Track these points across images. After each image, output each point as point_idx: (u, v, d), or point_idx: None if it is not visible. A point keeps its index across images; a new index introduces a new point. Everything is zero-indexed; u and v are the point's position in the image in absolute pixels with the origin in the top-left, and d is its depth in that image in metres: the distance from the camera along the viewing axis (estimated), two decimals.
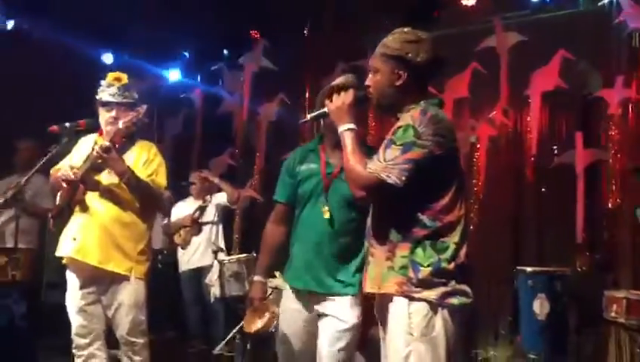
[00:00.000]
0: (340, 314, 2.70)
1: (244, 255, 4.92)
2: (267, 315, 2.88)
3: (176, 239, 5.65)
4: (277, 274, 4.65)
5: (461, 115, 5.97)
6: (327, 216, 2.71)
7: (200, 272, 5.57)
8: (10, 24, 6.16)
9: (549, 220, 5.52)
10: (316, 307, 2.76)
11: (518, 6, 5.81)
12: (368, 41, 6.36)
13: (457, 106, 5.98)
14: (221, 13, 7.00)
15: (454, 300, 2.08)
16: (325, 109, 2.31)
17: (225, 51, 7.41)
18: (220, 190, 5.75)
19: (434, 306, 2.07)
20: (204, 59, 7.52)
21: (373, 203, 2.20)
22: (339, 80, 2.73)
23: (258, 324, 2.89)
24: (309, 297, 2.77)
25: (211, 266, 5.49)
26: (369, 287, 2.20)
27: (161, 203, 3.49)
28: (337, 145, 2.48)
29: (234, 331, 4.66)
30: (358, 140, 2.19)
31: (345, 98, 2.24)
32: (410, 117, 2.08)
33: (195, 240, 5.59)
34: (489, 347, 5.46)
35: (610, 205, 5.08)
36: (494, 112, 5.76)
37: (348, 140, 2.16)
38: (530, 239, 5.63)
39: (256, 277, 2.94)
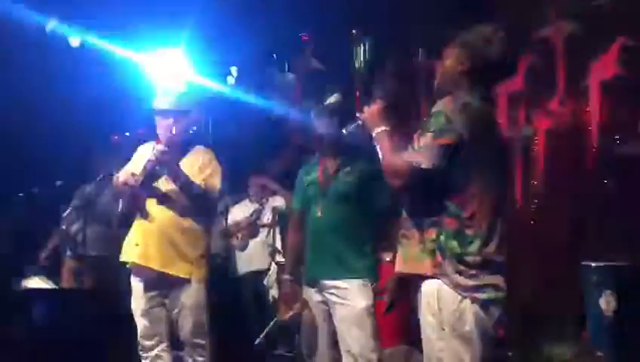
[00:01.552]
0: (349, 298, 3.01)
1: None
2: (298, 304, 3.20)
3: (234, 242, 5.73)
4: None
5: (517, 107, 5.84)
6: (319, 213, 3.09)
7: (258, 275, 5.63)
8: (76, 41, 6.36)
9: (613, 213, 5.32)
10: (329, 297, 3.06)
11: None
12: (418, 40, 6.33)
13: (512, 99, 5.86)
14: (271, 17, 7.10)
15: (484, 294, 2.12)
16: (359, 122, 2.46)
17: (274, 55, 7.49)
18: (275, 193, 5.80)
19: (464, 300, 2.11)
20: (256, 65, 7.62)
21: (408, 189, 2.24)
22: (332, 98, 3.28)
23: (290, 312, 3.23)
24: (322, 287, 3.08)
25: (269, 269, 5.55)
26: (401, 267, 2.26)
27: (215, 207, 3.56)
28: (334, 155, 3.19)
29: (270, 324, 4.75)
30: (393, 139, 2.30)
31: (374, 107, 2.38)
32: (443, 104, 2.18)
33: (252, 243, 5.65)
34: (553, 345, 5.32)
35: None
36: (551, 104, 5.61)
37: (383, 140, 2.28)
38: (594, 233, 5.44)
39: (285, 276, 3.30)
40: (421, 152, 2.09)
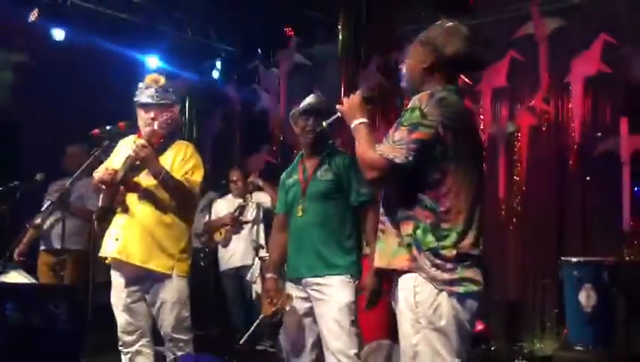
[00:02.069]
0: (330, 294, 3.01)
1: None
2: (281, 299, 3.19)
3: (217, 237, 5.70)
4: None
5: (500, 104, 5.87)
6: (299, 213, 3.14)
7: (241, 271, 5.61)
8: (60, 34, 6.33)
9: (594, 209, 5.38)
10: (311, 292, 3.07)
11: None
12: (403, 34, 6.34)
13: (496, 95, 5.89)
14: (255, 12, 7.08)
15: (460, 288, 2.10)
16: (338, 114, 2.45)
17: (259, 50, 7.48)
18: (260, 188, 5.79)
19: (440, 294, 2.10)
20: (240, 59, 7.59)
21: (383, 183, 2.25)
22: (309, 100, 3.17)
23: (273, 308, 3.20)
24: (304, 284, 3.10)
25: (252, 265, 5.54)
26: (378, 262, 2.27)
27: (196, 201, 3.54)
28: (312, 155, 3.19)
29: (256, 322, 4.74)
30: (370, 132, 2.27)
31: (353, 98, 2.37)
32: (418, 99, 2.17)
33: (235, 238, 5.62)
34: (535, 339, 5.38)
35: None
36: (534, 100, 5.65)
37: (360, 132, 2.26)
38: (574, 229, 5.49)
39: (269, 275, 3.33)
40: (395, 146, 2.09)
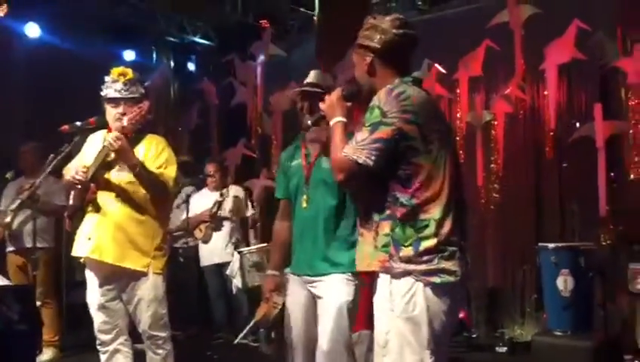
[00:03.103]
0: (330, 293, 2.84)
1: (264, 244, 4.93)
2: (271, 304, 3.01)
3: (197, 234, 5.65)
4: None
5: (476, 92, 5.89)
6: (304, 205, 2.90)
7: (223, 267, 5.57)
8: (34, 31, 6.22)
9: (570, 195, 5.42)
10: (312, 290, 2.91)
11: None
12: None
13: (472, 84, 5.90)
14: (232, 4, 7.02)
15: (436, 279, 2.09)
16: (321, 113, 2.41)
17: (234, 43, 7.42)
18: (236, 182, 5.74)
19: (415, 284, 2.09)
20: (215, 52, 7.53)
21: (352, 185, 2.24)
22: (310, 77, 2.98)
23: (271, 310, 3.03)
24: (306, 281, 2.92)
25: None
26: (359, 266, 2.29)
27: (170, 196, 3.49)
28: (314, 140, 2.88)
29: (252, 322, 4.67)
30: (346, 131, 2.25)
31: (333, 96, 2.34)
32: (377, 97, 2.14)
33: (215, 234, 5.57)
34: (515, 325, 5.43)
35: (632, 176, 4.97)
36: (510, 88, 5.67)
37: (336, 131, 2.25)
38: (552, 215, 5.54)
39: (270, 271, 3.09)
40: (358, 147, 2.08)
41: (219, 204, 5.48)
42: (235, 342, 4.99)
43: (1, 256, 4.97)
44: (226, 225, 5.61)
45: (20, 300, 2.23)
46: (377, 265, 2.16)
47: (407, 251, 2.09)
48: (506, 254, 5.79)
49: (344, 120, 2.28)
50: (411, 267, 2.09)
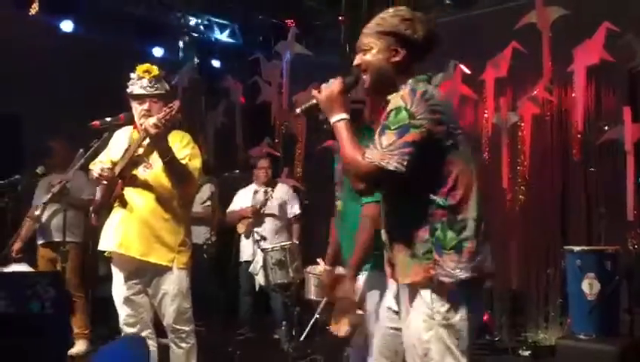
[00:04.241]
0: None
1: (287, 243, 4.94)
2: (353, 313, 2.72)
3: (239, 229, 5.67)
4: (320, 260, 4.67)
5: (502, 94, 5.84)
6: (339, 208, 2.90)
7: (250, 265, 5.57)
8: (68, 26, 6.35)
9: (597, 198, 5.35)
10: None
11: None
12: None
13: (498, 85, 5.86)
14: (257, 3, 7.07)
15: (475, 288, 2.05)
16: (314, 101, 2.17)
17: (260, 38, 7.46)
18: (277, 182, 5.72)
19: (456, 291, 2.01)
20: (241, 50, 7.59)
21: (379, 192, 2.13)
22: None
23: (346, 328, 2.69)
24: None
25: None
26: (402, 279, 2.12)
27: (195, 190, 3.53)
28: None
29: (307, 329, 4.58)
30: (353, 129, 2.09)
31: (333, 87, 2.12)
32: (400, 98, 2.01)
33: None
34: (538, 330, 5.38)
35: None
36: (537, 90, 5.61)
37: (342, 132, 2.06)
38: (578, 218, 5.47)
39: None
40: (386, 152, 1.95)
41: (264, 201, 5.48)
42: (301, 338, 4.87)
43: (31, 248, 5.07)
44: (269, 223, 5.59)
45: (52, 285, 2.29)
46: (419, 276, 2.04)
47: (451, 256, 2.00)
48: (530, 257, 5.73)
49: (347, 117, 2.08)
50: (457, 272, 2.00)
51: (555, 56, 5.50)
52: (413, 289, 2.09)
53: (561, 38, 5.47)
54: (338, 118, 2.09)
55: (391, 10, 2.15)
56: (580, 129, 5.39)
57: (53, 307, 2.35)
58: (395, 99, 2.04)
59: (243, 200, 5.69)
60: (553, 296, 5.38)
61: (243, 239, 5.67)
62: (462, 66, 5.90)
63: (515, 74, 5.76)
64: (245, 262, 5.67)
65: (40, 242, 5.01)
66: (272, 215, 5.60)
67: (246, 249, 5.65)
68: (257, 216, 5.48)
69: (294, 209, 5.75)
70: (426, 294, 2.04)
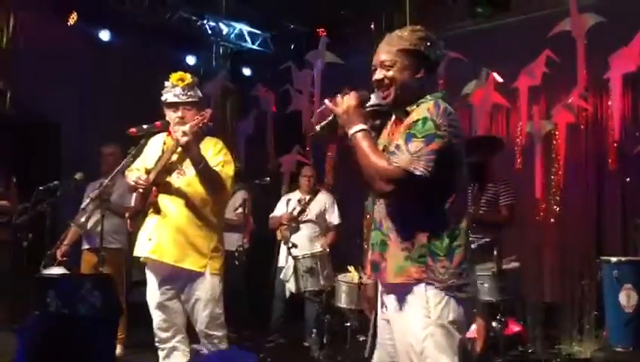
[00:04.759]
0: None
1: (318, 250, 4.94)
2: None
3: (279, 235, 5.70)
4: (350, 268, 4.67)
5: (535, 102, 5.78)
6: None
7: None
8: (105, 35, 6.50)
9: (633, 208, 5.24)
10: None
11: None
12: (436, 32, 6.28)
13: (532, 93, 5.80)
14: (290, 12, 7.13)
15: (464, 293, 2.16)
16: (332, 117, 2.24)
17: (292, 47, 7.52)
18: (290, 189, 5.74)
19: (449, 296, 2.14)
20: (273, 59, 7.65)
21: (399, 196, 2.19)
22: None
23: None
24: None
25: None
26: (389, 278, 2.21)
27: (228, 197, 3.55)
28: None
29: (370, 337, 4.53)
30: (372, 139, 2.21)
31: (349, 101, 2.21)
32: (427, 110, 2.15)
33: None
34: (573, 342, 5.27)
35: None
36: (572, 98, 5.54)
37: (363, 141, 2.16)
38: (614, 229, 5.37)
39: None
40: (414, 158, 2.08)
41: (302, 211, 5.52)
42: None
43: (77, 254, 5.16)
44: (306, 230, 5.61)
45: (101, 289, 2.35)
46: (412, 277, 2.15)
47: (444, 262, 2.13)
48: (564, 268, 5.64)
49: (366, 128, 2.18)
50: (446, 277, 2.13)
51: (590, 64, 5.43)
52: (405, 289, 2.18)
53: (596, 45, 5.39)
54: (357, 129, 2.18)
55: (409, 28, 2.29)
56: (616, 138, 5.31)
57: (103, 310, 2.41)
58: (419, 111, 2.18)
59: (284, 206, 5.74)
60: (588, 308, 5.27)
61: (282, 245, 5.70)
62: (495, 74, 5.86)
63: (549, 82, 5.70)
64: (280, 268, 5.69)
65: (85, 247, 5.09)
66: (309, 221, 5.62)
67: (282, 255, 5.68)
68: (292, 222, 5.50)
69: (332, 218, 5.76)
70: (420, 293, 2.15)
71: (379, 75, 2.24)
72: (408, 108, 2.22)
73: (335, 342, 4.82)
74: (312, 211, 5.60)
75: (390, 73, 2.22)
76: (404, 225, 2.18)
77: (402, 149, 2.11)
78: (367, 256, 2.45)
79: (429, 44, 2.22)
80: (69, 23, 6.18)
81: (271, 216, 5.80)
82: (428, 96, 2.21)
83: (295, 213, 5.52)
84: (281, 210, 5.75)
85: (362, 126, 2.18)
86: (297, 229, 5.53)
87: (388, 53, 2.23)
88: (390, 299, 2.26)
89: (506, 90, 5.91)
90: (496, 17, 6.17)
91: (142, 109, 3.76)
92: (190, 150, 3.18)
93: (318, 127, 2.31)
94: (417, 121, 2.13)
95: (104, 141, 5.23)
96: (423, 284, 2.15)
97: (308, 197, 5.58)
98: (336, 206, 5.80)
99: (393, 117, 2.35)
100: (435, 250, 2.14)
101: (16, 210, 4.83)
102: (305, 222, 5.59)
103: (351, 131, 2.18)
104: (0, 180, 5.10)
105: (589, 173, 5.59)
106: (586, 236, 5.54)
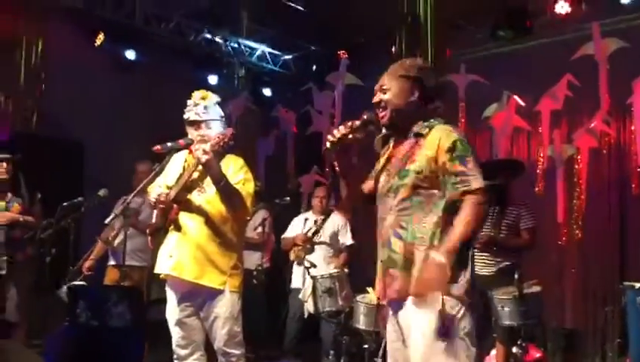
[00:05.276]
0: None
1: (336, 271, 4.93)
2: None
3: (292, 256, 5.70)
4: (369, 289, 4.64)
5: (557, 126, 5.75)
6: None
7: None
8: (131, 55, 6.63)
9: None
10: None
11: (613, 12, 5.55)
12: (458, 55, 6.32)
13: (553, 117, 5.78)
14: (311, 34, 7.21)
15: (470, 300, 2.26)
16: (365, 117, 2.39)
17: (313, 69, 7.59)
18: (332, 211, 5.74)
19: (461, 306, 2.22)
20: (293, 80, 7.73)
21: (407, 208, 2.30)
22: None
23: None
24: None
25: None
26: (407, 291, 2.26)
27: (248, 214, 3.56)
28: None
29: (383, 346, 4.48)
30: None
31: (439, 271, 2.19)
32: (450, 132, 2.33)
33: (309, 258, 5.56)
34: None
35: None
36: (594, 122, 5.51)
37: (458, 240, 2.21)
38: (637, 254, 5.29)
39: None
40: (478, 175, 2.26)
41: (316, 231, 5.50)
42: None
43: (102, 269, 5.21)
44: (320, 251, 5.60)
45: (130, 300, 2.38)
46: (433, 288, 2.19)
47: (455, 269, 2.18)
48: (586, 294, 5.56)
49: (448, 254, 2.17)
50: (458, 289, 2.21)
51: (613, 88, 5.41)
52: (419, 302, 2.24)
53: (619, 69, 5.37)
54: (445, 258, 2.18)
55: (410, 59, 2.54)
56: (639, 162, 5.26)
57: (132, 321, 2.43)
58: (448, 133, 2.32)
59: (297, 227, 5.73)
60: (611, 335, 5.18)
61: (295, 266, 5.69)
62: (516, 97, 5.85)
63: (571, 106, 5.68)
64: (294, 289, 5.67)
65: (111, 263, 5.13)
66: (323, 243, 5.60)
67: (296, 276, 5.66)
68: (307, 243, 5.49)
69: (345, 239, 5.74)
70: (435, 305, 2.19)
71: (376, 98, 2.43)
72: (416, 129, 2.36)
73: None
74: (325, 232, 5.59)
75: (386, 96, 2.39)
76: (423, 237, 2.26)
77: (467, 173, 2.25)
78: (378, 275, 2.49)
79: (423, 71, 2.42)
80: (95, 44, 6.31)
81: (283, 236, 5.78)
82: (432, 120, 2.37)
83: (310, 233, 5.50)
84: (293, 230, 5.74)
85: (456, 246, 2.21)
86: (312, 250, 5.53)
87: (386, 79, 2.42)
88: (404, 314, 2.29)
89: (527, 113, 5.90)
90: (518, 41, 6.18)
91: (165, 128, 3.81)
92: (211, 168, 3.21)
93: (328, 143, 2.43)
94: (455, 142, 2.28)
95: (126, 159, 5.30)
96: (437, 296, 2.19)
97: (322, 218, 5.56)
98: (348, 227, 5.78)
99: (391, 141, 2.48)
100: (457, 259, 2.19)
101: (41, 226, 4.90)
102: (319, 243, 5.58)
103: (447, 254, 2.19)
104: (25, 196, 5.19)
105: (612, 197, 5.54)
106: (608, 261, 5.47)
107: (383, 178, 2.43)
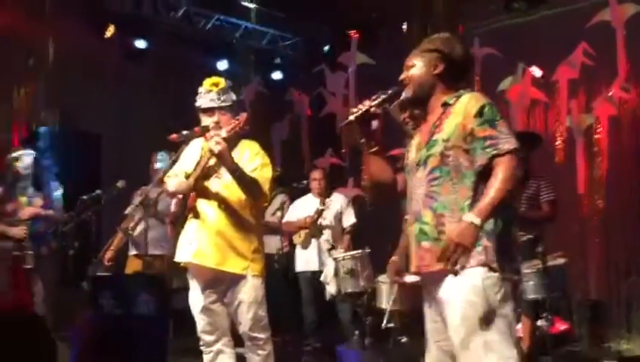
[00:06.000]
0: None
1: (358, 251, 4.92)
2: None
3: (295, 240, 5.69)
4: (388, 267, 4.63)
5: (574, 96, 5.66)
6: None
7: (318, 274, 5.57)
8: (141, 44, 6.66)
9: None
10: None
11: None
12: (471, 29, 6.22)
13: (571, 87, 5.68)
14: (322, 15, 7.15)
15: (515, 275, 2.27)
16: (390, 91, 2.40)
17: (325, 50, 7.52)
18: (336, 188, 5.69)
19: (503, 280, 2.19)
20: (305, 63, 7.68)
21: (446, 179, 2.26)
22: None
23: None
24: None
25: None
26: (440, 265, 2.19)
27: (267, 199, 3.55)
28: None
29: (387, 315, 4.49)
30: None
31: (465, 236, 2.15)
32: (478, 98, 2.32)
33: (315, 242, 5.57)
34: (621, 340, 5.14)
35: None
36: (613, 90, 5.41)
37: (496, 201, 2.16)
38: None
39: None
40: (511, 136, 2.25)
41: (320, 212, 5.47)
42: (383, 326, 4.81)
43: (123, 259, 5.25)
44: (326, 234, 5.59)
45: (155, 289, 2.39)
46: (470, 262, 2.15)
47: (496, 241, 2.18)
48: (610, 265, 5.51)
49: (481, 218, 2.14)
50: (500, 263, 2.18)
51: (631, 55, 5.30)
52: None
53: (636, 35, 5.26)
54: (486, 208, 2.17)
55: (436, 35, 2.51)
56: None
57: (156, 309, 2.44)
58: (471, 100, 2.31)
59: (299, 211, 5.69)
60: (636, 305, 5.14)
61: (298, 249, 5.67)
62: (532, 68, 5.77)
63: (588, 75, 5.59)
64: (300, 273, 5.67)
65: (132, 253, 5.17)
66: (328, 226, 5.58)
67: (300, 260, 5.65)
68: (315, 226, 5.47)
69: (349, 219, 5.71)
70: (477, 279, 2.17)
71: (402, 75, 2.45)
72: (447, 100, 2.35)
73: (377, 343, 4.78)
74: (328, 214, 5.56)
75: (410, 73, 2.42)
76: (461, 209, 2.22)
77: (497, 135, 2.22)
78: (412, 251, 2.45)
79: (448, 43, 2.42)
80: (106, 36, 6.32)
81: (284, 221, 5.75)
82: (461, 91, 2.36)
83: (315, 217, 5.46)
84: (294, 214, 5.70)
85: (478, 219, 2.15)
86: (320, 233, 5.50)
87: (412, 56, 2.45)
88: (440, 291, 2.26)
89: (544, 84, 5.81)
90: (532, 11, 6.07)
91: (180, 116, 3.80)
92: (225, 159, 3.20)
93: (352, 116, 2.38)
94: (483, 108, 2.26)
95: (141, 149, 5.32)
96: (481, 269, 2.17)
97: (328, 199, 5.52)
98: (351, 206, 5.75)
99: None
100: (488, 230, 2.18)
101: (63, 219, 4.95)
102: (324, 227, 5.55)
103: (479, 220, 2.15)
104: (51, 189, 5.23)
105: (633, 166, 5.45)
106: (631, 231, 5.40)
107: (412, 153, 2.41)
